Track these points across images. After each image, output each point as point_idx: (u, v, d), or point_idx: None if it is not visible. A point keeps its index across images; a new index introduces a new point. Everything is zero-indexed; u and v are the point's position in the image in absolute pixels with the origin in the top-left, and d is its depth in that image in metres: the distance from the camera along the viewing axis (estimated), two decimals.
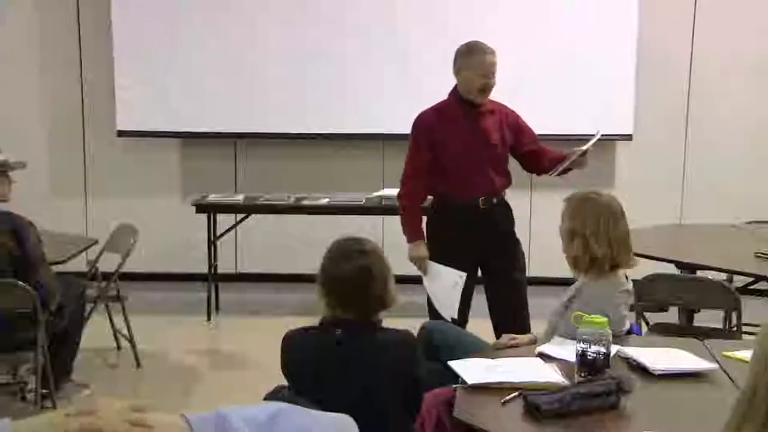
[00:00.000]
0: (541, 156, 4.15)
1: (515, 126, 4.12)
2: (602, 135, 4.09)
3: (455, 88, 4.05)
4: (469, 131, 4.00)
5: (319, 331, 2.68)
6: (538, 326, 3.25)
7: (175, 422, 1.12)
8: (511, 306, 4.07)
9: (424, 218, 4.17)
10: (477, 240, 4.01)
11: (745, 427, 1.41)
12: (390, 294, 2.65)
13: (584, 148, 3.97)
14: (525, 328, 3.33)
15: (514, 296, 4.10)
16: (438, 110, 4.07)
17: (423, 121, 4.07)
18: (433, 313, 4.09)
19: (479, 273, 4.11)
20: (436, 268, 4.01)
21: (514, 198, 4.23)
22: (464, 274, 3.93)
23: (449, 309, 3.99)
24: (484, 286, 4.15)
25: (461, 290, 3.94)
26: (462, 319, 4.02)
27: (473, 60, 3.94)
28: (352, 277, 2.59)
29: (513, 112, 4.15)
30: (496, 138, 4.03)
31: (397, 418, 2.65)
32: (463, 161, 3.99)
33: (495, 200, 4.07)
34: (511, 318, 3.97)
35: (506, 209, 4.17)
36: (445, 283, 3.98)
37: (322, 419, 1.25)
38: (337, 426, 1.26)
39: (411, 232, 4.06)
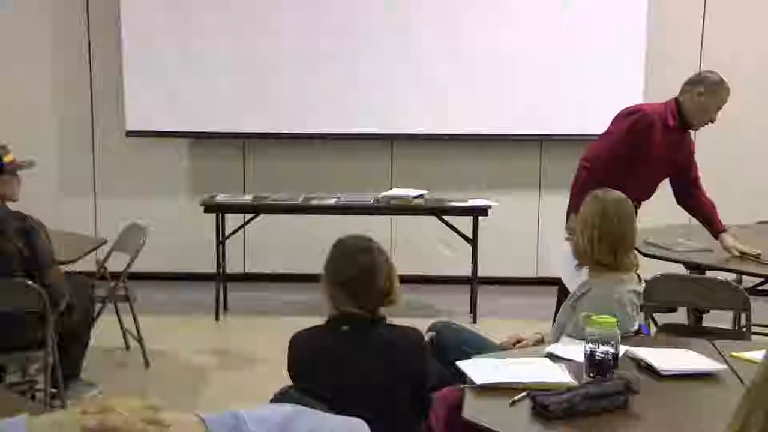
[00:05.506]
0: (695, 198, 4.39)
1: (689, 155, 4.31)
2: None
3: (676, 101, 4.16)
4: (667, 146, 4.15)
5: (326, 329, 2.70)
6: (545, 326, 3.25)
7: (191, 421, 1.13)
8: None
9: None
10: None
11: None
12: (395, 288, 2.68)
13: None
14: None
15: None
16: (659, 117, 4.16)
17: (645, 121, 4.15)
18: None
19: None
20: None
21: (522, 198, 4.22)
22: None
23: None
24: None
25: None
26: None
27: (721, 93, 4.10)
28: (358, 276, 2.63)
29: (692, 141, 4.35)
30: (680, 159, 4.23)
31: (405, 417, 2.66)
32: (648, 169, 4.15)
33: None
34: None
35: None
36: None
37: (335, 422, 1.25)
38: (350, 429, 1.27)
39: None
